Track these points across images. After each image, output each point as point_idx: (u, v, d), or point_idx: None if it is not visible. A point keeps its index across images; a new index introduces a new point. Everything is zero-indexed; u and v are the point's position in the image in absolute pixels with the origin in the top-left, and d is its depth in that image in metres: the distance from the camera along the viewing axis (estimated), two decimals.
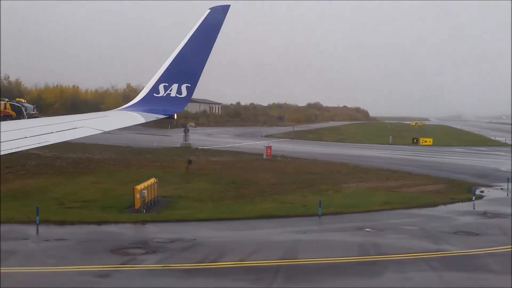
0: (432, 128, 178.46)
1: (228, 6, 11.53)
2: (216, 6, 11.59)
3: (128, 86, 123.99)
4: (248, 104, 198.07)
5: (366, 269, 19.92)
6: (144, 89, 11.86)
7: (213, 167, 48.78)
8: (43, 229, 25.79)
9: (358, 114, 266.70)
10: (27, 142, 6.94)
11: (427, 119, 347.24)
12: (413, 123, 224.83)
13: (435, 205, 33.45)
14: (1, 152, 6.20)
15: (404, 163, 56.23)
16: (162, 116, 11.34)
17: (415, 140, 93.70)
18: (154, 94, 11.51)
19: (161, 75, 11.54)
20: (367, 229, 26.27)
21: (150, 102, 11.48)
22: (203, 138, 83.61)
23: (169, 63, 11.48)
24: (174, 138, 76.29)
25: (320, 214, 29.04)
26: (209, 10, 11.50)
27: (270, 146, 57.00)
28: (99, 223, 27.33)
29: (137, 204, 30.71)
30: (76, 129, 8.62)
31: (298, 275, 19.03)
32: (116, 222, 27.63)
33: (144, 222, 27.70)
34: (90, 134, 8.97)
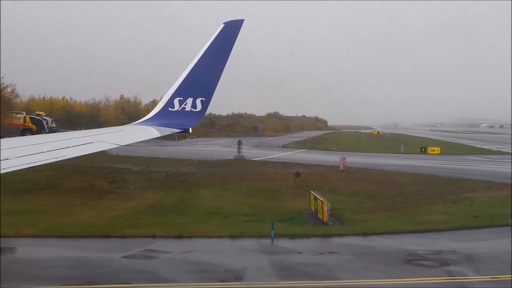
0: (398, 136, 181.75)
1: (242, 20, 11.71)
2: (230, 21, 11.73)
3: (122, 97, 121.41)
4: (207, 114, 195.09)
5: None
6: (159, 103, 11.89)
7: (308, 179, 49.52)
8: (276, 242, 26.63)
9: (319, 123, 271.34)
10: (45, 156, 7.20)
11: (370, 127, 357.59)
12: (374, 131, 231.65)
13: None
14: (18, 167, 6.48)
15: (464, 172, 57.92)
16: (177, 130, 11.35)
17: (423, 149, 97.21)
18: (169, 109, 11.54)
19: (176, 90, 11.57)
20: None
21: (165, 116, 11.49)
22: (229, 150, 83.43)
23: (184, 77, 11.53)
24: (210, 149, 75.60)
25: (511, 224, 30.70)
26: (223, 25, 11.68)
27: (345, 158, 58.38)
28: (321, 236, 28.31)
29: (325, 217, 31.69)
30: (92, 144, 8.73)
31: None
32: (340, 235, 28.47)
33: (365, 234, 28.58)
34: (106, 149, 9.14)
